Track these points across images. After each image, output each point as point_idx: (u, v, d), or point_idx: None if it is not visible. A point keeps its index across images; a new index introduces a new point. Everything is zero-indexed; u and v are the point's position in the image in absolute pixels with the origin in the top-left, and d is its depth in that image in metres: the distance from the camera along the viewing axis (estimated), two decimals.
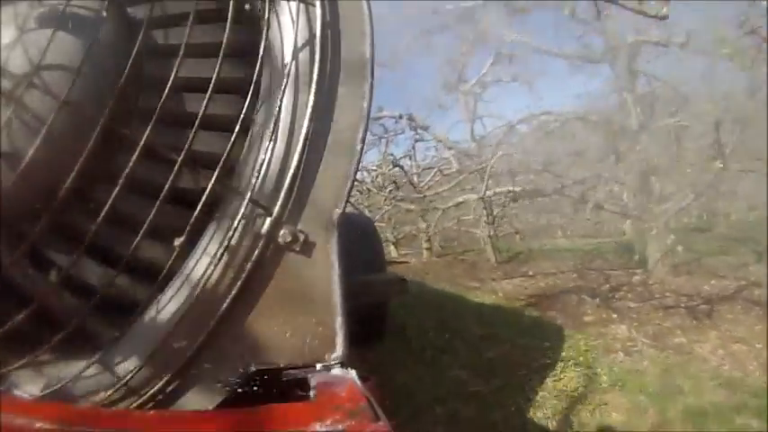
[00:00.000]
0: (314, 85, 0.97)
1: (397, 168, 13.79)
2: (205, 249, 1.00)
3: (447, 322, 5.42)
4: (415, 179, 13.53)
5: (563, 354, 4.35)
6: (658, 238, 7.05)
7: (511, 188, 8.68)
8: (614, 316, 5.44)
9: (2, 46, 0.97)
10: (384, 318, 3.29)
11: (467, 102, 12.52)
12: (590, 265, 9.59)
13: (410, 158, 14.33)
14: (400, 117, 12.05)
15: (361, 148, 1.01)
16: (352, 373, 0.94)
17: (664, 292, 6.28)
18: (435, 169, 13.92)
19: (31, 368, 1.05)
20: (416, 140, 13.98)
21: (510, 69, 11.07)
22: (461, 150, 12.54)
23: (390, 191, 14.13)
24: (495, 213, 12.75)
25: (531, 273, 9.55)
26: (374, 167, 14.64)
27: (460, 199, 9.70)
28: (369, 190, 14.55)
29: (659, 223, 6.89)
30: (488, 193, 8.68)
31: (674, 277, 6.95)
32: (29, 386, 1.04)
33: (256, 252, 0.97)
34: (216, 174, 0.92)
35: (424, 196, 10.99)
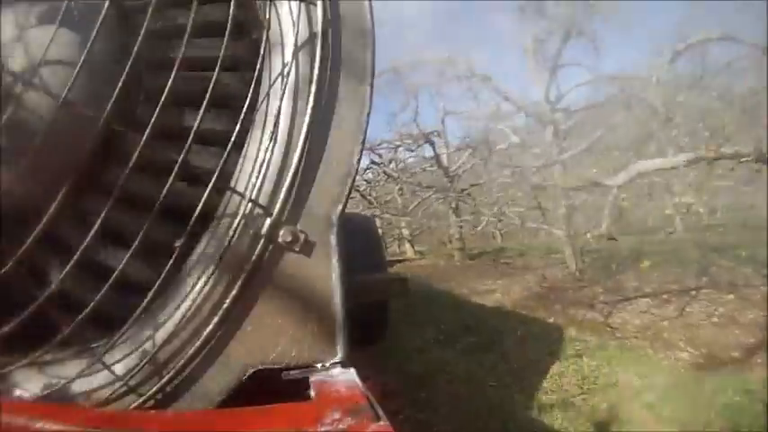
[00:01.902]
0: (314, 85, 1.10)
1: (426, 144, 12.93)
2: (204, 249, 1.13)
3: None
4: (445, 161, 12.78)
5: None
6: None
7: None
8: None
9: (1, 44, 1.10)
10: (384, 318, 3.51)
11: (537, 49, 11.09)
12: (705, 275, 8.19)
13: (439, 135, 13.24)
14: (449, 62, 11.03)
15: (362, 147, 1.14)
16: (353, 372, 1.05)
17: None
18: (470, 149, 13.13)
19: (32, 368, 1.18)
20: (446, 113, 12.95)
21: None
22: (533, 114, 11.11)
23: (409, 176, 13.26)
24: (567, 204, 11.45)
25: (647, 289, 8.10)
26: (397, 141, 13.46)
27: (640, 168, 7.64)
28: (387, 174, 13.84)
29: None
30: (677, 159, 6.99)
31: None
32: (29, 385, 1.19)
33: (256, 252, 1.12)
34: (215, 174, 1.04)
35: (451, 177, 10.04)
